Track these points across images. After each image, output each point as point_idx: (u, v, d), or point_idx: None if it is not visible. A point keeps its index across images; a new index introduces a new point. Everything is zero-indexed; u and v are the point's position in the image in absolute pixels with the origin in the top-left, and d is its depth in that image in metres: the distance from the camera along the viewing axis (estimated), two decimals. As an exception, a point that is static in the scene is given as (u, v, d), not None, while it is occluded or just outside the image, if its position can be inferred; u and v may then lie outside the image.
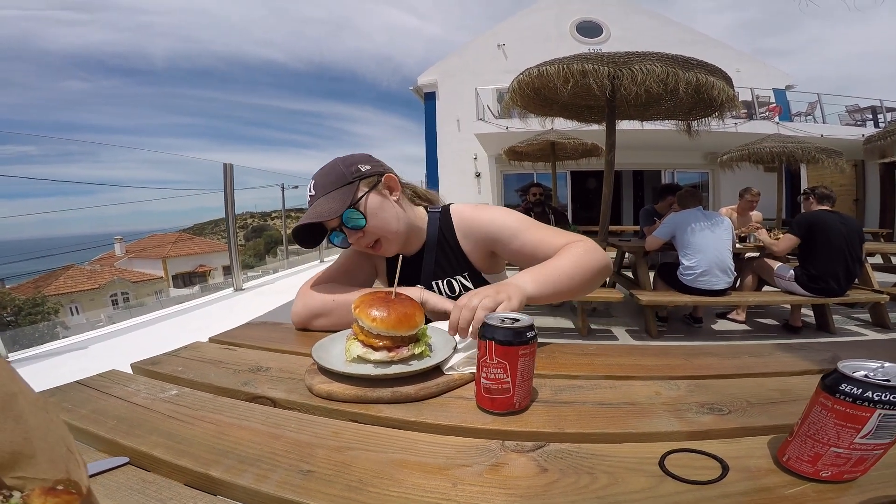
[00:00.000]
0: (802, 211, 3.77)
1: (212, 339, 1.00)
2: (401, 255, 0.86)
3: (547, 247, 0.95)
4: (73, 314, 21.68)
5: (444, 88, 12.94)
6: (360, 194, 0.94)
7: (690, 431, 0.56)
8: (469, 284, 1.04)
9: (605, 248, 4.02)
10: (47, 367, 1.71)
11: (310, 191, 0.96)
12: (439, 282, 1.06)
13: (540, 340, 0.72)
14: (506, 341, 0.58)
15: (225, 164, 3.18)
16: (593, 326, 3.77)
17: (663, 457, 0.50)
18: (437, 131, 12.94)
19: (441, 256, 1.05)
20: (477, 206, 1.05)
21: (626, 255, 4.93)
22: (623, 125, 4.84)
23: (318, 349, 0.75)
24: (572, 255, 0.91)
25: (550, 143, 6.46)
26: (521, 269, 1.01)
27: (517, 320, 0.61)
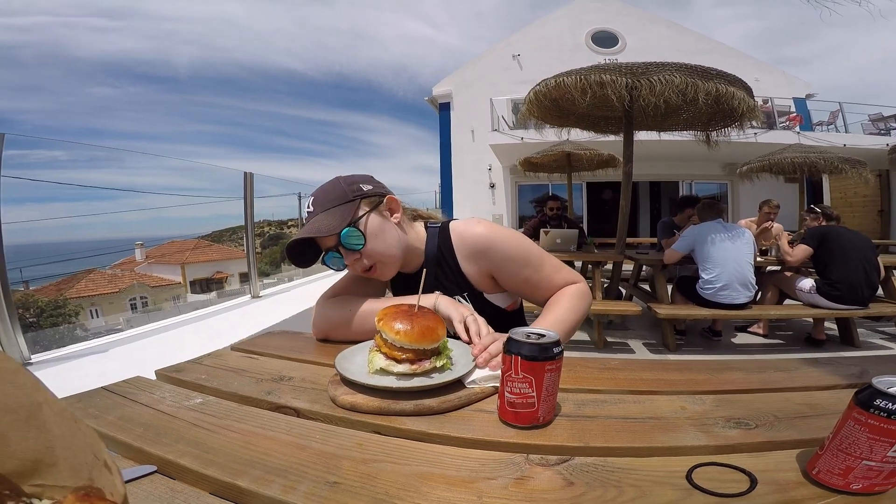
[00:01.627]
0: (805, 227, 3.83)
1: (233, 348, 1.01)
2: (424, 270, 0.86)
3: (547, 286, 1.00)
4: (92, 317, 22.19)
5: (458, 99, 13.02)
6: (360, 213, 0.92)
7: (717, 445, 0.55)
8: (469, 304, 1.02)
9: (622, 260, 4.00)
10: (69, 370, 1.75)
11: (308, 207, 0.95)
12: None
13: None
14: (532, 356, 0.57)
15: (245, 173, 3.26)
16: (609, 339, 3.72)
17: (690, 470, 0.49)
18: (452, 142, 13.00)
19: (441, 274, 1.03)
20: (477, 226, 1.00)
21: (644, 267, 4.87)
22: (640, 135, 4.80)
23: (340, 360, 0.75)
24: (570, 304, 0.96)
25: (566, 153, 6.43)
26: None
27: (543, 335, 0.60)
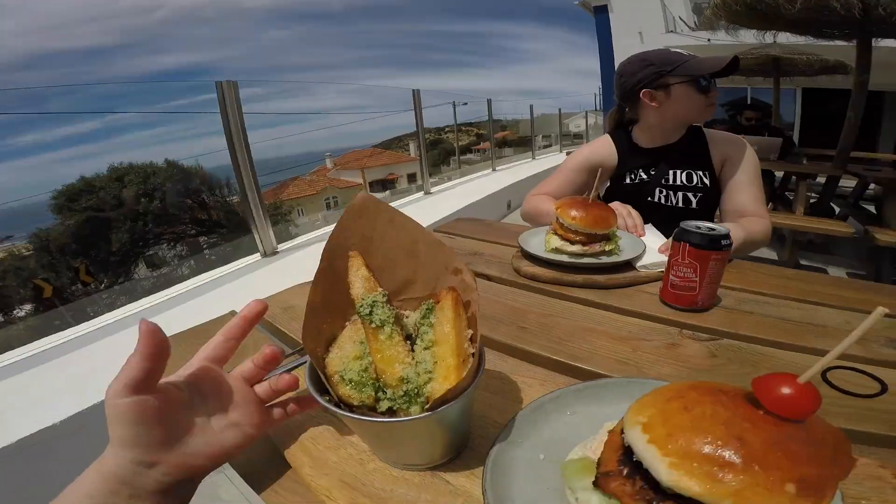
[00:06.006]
0: None
1: (435, 230, 1.26)
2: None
3: (746, 202, 1.11)
4: (299, 216, 27.38)
5: (617, 1, 11.05)
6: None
7: (866, 357, 0.56)
8: (706, 181, 1.15)
9: (840, 174, 3.36)
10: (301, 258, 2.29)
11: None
12: (678, 171, 1.16)
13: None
14: (699, 245, 0.66)
15: (413, 91, 3.71)
16: (803, 262, 3.23)
17: (828, 369, 0.52)
18: (614, 45, 11.29)
19: (690, 151, 1.17)
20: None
21: (871, 186, 3.94)
22: (886, 41, 3.63)
23: (523, 239, 0.93)
24: (756, 232, 1.03)
25: (773, 58, 5.18)
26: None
27: (713, 229, 0.67)
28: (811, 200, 3.55)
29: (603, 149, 1.25)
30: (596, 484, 0.31)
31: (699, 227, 0.68)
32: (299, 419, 0.49)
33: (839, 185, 3.62)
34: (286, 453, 0.45)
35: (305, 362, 0.61)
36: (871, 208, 3.74)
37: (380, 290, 0.42)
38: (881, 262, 2.93)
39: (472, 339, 0.40)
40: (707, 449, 0.25)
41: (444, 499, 0.39)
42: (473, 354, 0.39)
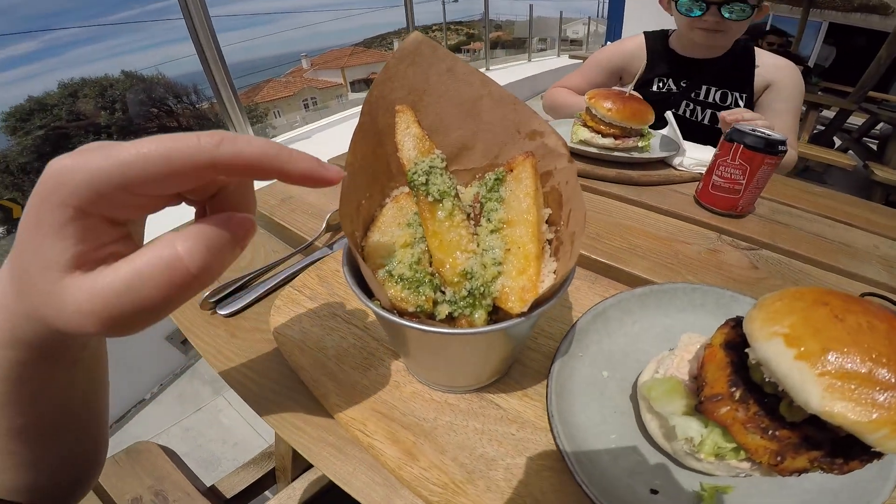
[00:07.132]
0: None
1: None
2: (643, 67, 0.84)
3: (779, 130, 1.04)
4: (275, 117, 26.12)
5: None
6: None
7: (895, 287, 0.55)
8: (741, 104, 1.06)
9: (853, 110, 3.31)
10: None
11: None
12: (713, 88, 1.07)
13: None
14: (754, 147, 0.60)
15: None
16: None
17: (862, 295, 0.51)
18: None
19: (733, 70, 1.07)
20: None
21: (881, 126, 3.90)
22: None
23: None
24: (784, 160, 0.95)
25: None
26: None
27: (769, 134, 0.61)
28: (814, 131, 3.50)
29: (631, 49, 1.12)
30: (699, 409, 0.27)
31: (754, 130, 0.62)
32: (316, 332, 0.41)
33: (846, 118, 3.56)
34: (305, 378, 0.38)
35: (320, 258, 0.53)
36: (873, 146, 3.74)
37: (437, 151, 0.31)
38: (871, 196, 2.96)
39: (549, 222, 0.33)
40: (876, 371, 0.20)
41: (494, 426, 0.34)
42: (550, 241, 0.32)
